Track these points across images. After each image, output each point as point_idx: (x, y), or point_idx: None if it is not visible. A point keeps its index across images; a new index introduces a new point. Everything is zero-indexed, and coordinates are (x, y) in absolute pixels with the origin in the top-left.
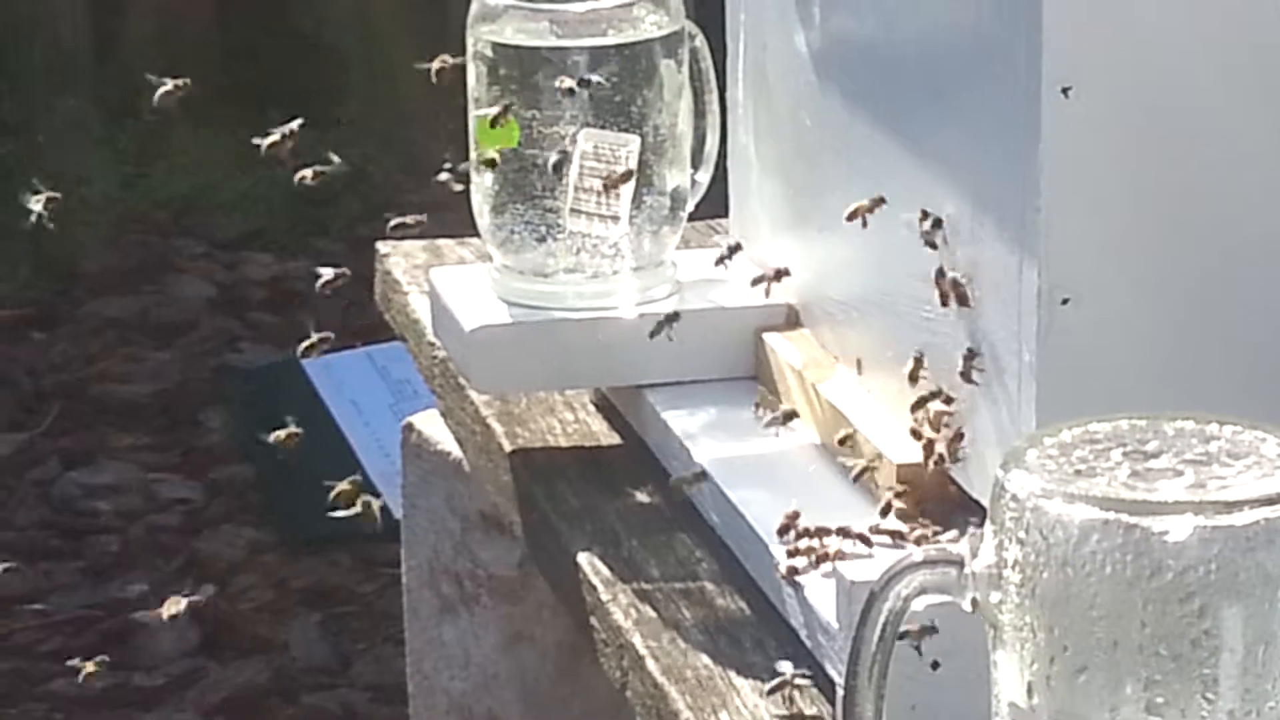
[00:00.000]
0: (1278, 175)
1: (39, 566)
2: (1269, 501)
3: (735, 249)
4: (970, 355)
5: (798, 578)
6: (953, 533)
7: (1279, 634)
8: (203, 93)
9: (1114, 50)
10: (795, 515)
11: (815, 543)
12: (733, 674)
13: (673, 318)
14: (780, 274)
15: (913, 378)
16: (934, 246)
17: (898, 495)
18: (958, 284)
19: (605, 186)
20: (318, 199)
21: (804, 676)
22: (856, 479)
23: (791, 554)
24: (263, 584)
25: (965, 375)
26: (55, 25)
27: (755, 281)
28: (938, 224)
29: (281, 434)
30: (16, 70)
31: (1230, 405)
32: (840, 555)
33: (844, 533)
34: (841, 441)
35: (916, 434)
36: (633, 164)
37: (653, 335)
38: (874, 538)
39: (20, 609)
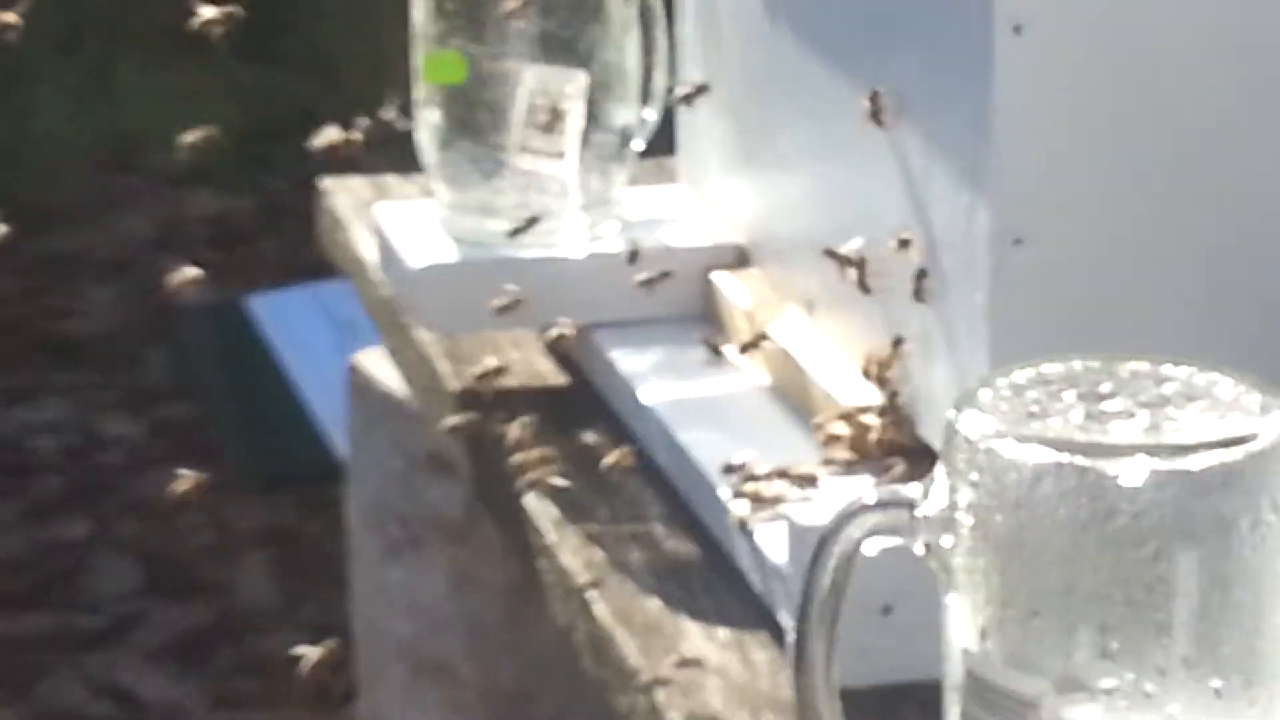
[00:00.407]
0: (1234, 117)
1: None
2: (1224, 444)
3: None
4: (921, 274)
5: (747, 525)
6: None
7: (1233, 578)
8: (151, 30)
9: None
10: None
11: (761, 485)
12: (682, 617)
13: (634, 255)
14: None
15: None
16: (880, 124)
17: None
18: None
19: (549, 125)
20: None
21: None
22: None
23: (737, 496)
24: (207, 524)
25: (917, 295)
26: None
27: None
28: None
29: None
30: None
31: (1185, 347)
32: (781, 499)
33: (786, 475)
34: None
35: (867, 373)
36: (580, 101)
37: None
38: (819, 472)
39: None
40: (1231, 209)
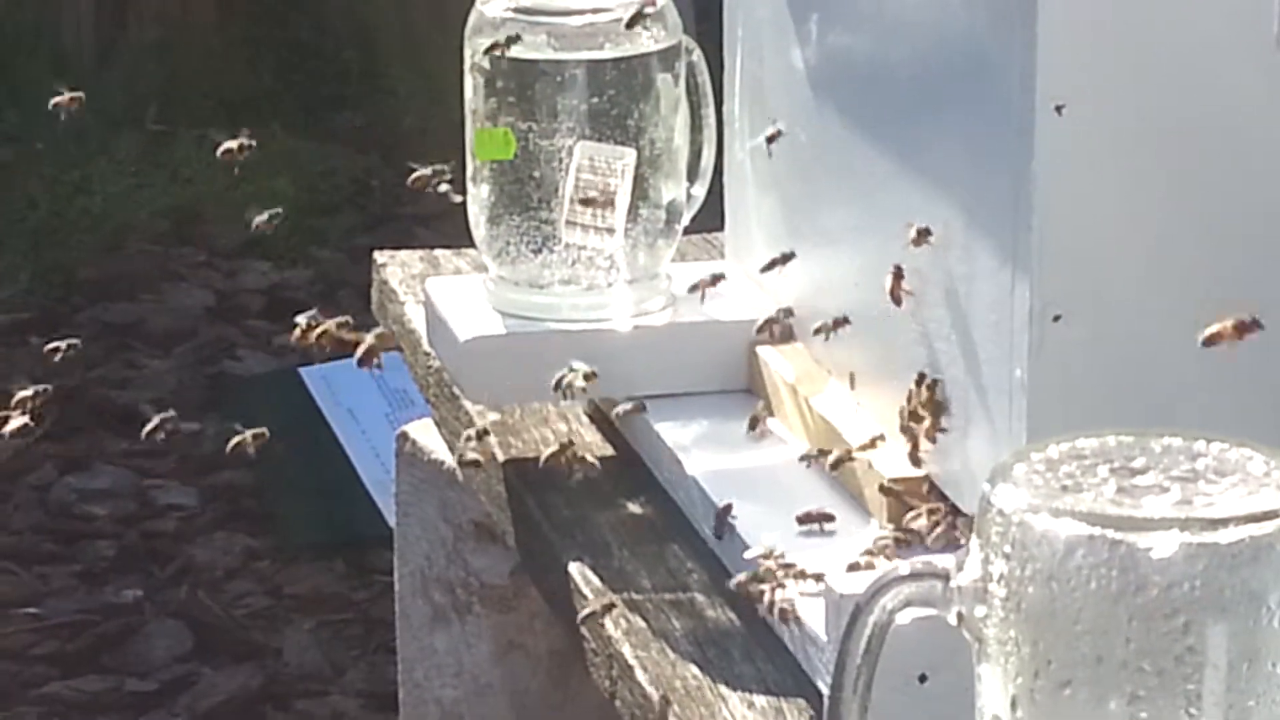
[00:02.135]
0: (1273, 193)
1: (34, 571)
2: (1254, 519)
3: (718, 277)
4: (898, 273)
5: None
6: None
7: (1262, 651)
8: (204, 102)
9: (1108, 68)
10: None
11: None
12: (721, 685)
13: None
14: (787, 257)
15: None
16: (898, 302)
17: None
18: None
19: (599, 203)
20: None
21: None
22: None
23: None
24: (257, 590)
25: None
26: (58, 33)
27: (766, 268)
28: (925, 233)
29: (248, 435)
30: (18, 78)
31: (1218, 423)
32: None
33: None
34: (821, 453)
35: (905, 430)
36: (628, 178)
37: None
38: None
39: (15, 613)
40: (1270, 287)
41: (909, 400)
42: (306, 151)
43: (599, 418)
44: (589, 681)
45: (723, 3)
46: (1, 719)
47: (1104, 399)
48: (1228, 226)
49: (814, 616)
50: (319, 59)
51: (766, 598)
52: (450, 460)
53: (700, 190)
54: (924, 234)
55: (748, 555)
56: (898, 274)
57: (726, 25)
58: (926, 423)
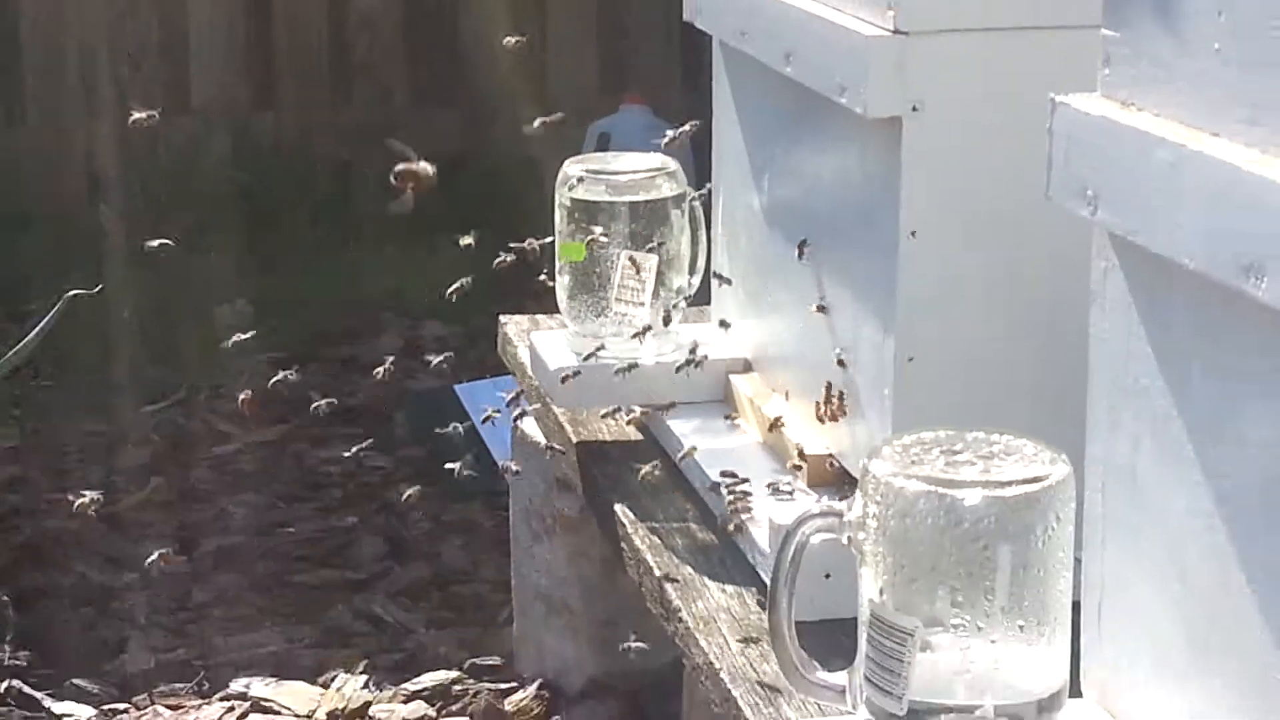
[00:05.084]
0: (1060, 285)
1: (293, 506)
2: (1027, 481)
3: (695, 359)
4: (840, 361)
5: (736, 518)
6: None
7: (1032, 561)
8: (370, 214)
9: (944, 210)
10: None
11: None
12: (705, 577)
13: (694, 360)
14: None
15: (825, 401)
16: (824, 311)
17: (798, 466)
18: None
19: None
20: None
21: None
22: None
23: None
24: (428, 519)
25: (840, 362)
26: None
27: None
28: (823, 309)
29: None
30: (273, 208)
31: (1009, 425)
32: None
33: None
34: (770, 428)
35: (819, 419)
36: (653, 273)
37: (678, 370)
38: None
39: (280, 532)
40: (1054, 351)
41: (821, 405)
42: (450, 248)
43: (635, 421)
44: (625, 575)
45: (711, 169)
46: (269, 596)
47: (939, 410)
48: (1029, 306)
49: (761, 537)
50: (494, 178)
51: (732, 524)
52: (544, 442)
53: (696, 280)
54: (822, 309)
55: (714, 476)
56: (820, 308)
57: (714, 180)
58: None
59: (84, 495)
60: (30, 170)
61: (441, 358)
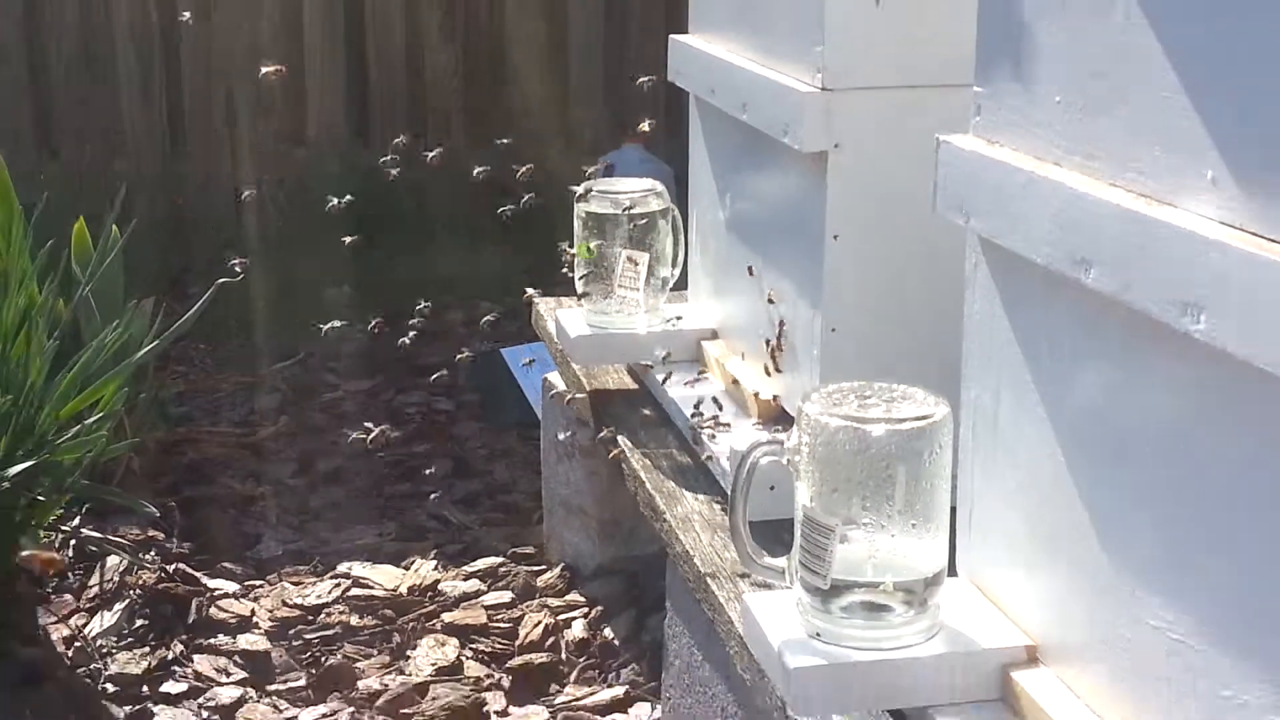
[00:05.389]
0: (944, 275)
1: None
2: (918, 419)
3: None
4: (779, 334)
5: (702, 436)
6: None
7: (922, 477)
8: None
9: (859, 219)
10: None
11: (713, 419)
12: (685, 490)
13: (668, 358)
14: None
15: (772, 353)
16: (778, 355)
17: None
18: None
19: (631, 277)
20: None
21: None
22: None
23: (698, 426)
24: (481, 447)
25: (777, 341)
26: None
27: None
28: (771, 300)
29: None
30: (371, 219)
31: (908, 379)
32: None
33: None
34: (733, 381)
35: (765, 371)
36: (645, 266)
37: (659, 363)
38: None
39: (376, 456)
40: (940, 324)
41: (769, 364)
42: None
43: (632, 372)
44: (626, 488)
45: (689, 190)
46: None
47: (854, 367)
48: (929, 297)
49: (724, 460)
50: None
51: (704, 452)
52: (565, 390)
53: (677, 271)
54: (772, 300)
55: (690, 412)
56: (770, 300)
57: (690, 197)
58: (773, 364)
59: (369, 428)
60: (190, 184)
61: (493, 315)
